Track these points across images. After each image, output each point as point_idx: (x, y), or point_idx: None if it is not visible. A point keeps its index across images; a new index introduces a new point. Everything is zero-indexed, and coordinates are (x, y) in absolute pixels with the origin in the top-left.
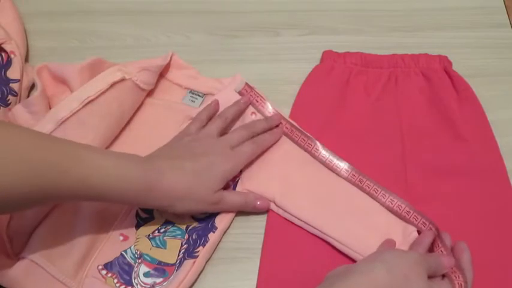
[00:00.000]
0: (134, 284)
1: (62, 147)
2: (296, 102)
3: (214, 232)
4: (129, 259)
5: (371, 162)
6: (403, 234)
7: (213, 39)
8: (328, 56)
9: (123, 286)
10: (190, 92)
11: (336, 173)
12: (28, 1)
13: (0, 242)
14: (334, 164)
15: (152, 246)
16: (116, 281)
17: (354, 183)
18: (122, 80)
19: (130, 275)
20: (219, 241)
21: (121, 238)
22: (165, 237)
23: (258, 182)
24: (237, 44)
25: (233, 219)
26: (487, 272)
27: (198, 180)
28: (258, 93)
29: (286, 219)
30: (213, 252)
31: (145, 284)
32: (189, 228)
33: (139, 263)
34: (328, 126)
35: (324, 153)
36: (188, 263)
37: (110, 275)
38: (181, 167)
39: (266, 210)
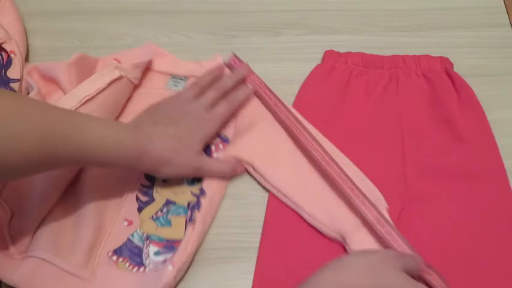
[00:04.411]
0: (146, 264)
1: (66, 116)
2: (296, 101)
3: (205, 197)
4: (137, 242)
5: (371, 162)
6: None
7: (213, 39)
8: (329, 55)
9: (136, 267)
10: (173, 77)
11: (308, 152)
12: (28, 1)
13: (2, 244)
14: (309, 143)
15: (158, 226)
16: (127, 264)
17: (319, 163)
18: (119, 78)
19: (141, 257)
20: (215, 212)
21: (125, 223)
22: (169, 216)
23: (241, 147)
24: (237, 44)
25: (226, 187)
26: (487, 272)
27: (181, 144)
28: (246, 65)
29: (284, 220)
30: (210, 223)
31: (157, 261)
32: (190, 205)
33: (147, 244)
34: (328, 126)
35: (303, 132)
36: (189, 230)
37: (121, 259)
38: (166, 132)
39: (241, 173)
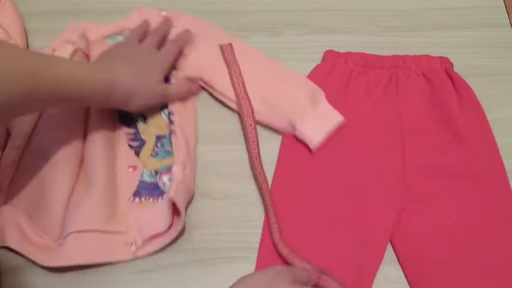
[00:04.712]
0: (166, 191)
1: (47, 57)
2: None
3: (174, 115)
4: (149, 180)
5: (371, 162)
6: (312, 100)
7: None
8: (330, 55)
9: (160, 198)
10: (109, 37)
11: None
12: (28, 1)
13: (34, 239)
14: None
15: (160, 160)
16: (151, 200)
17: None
18: (76, 51)
19: (158, 188)
20: (192, 128)
21: (130, 170)
22: (166, 148)
23: (188, 67)
24: None
25: (194, 108)
26: (487, 272)
27: (143, 76)
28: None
29: (284, 219)
30: (191, 136)
31: None
32: None
33: (159, 177)
34: None
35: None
36: (173, 140)
37: (143, 199)
38: (127, 68)
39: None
